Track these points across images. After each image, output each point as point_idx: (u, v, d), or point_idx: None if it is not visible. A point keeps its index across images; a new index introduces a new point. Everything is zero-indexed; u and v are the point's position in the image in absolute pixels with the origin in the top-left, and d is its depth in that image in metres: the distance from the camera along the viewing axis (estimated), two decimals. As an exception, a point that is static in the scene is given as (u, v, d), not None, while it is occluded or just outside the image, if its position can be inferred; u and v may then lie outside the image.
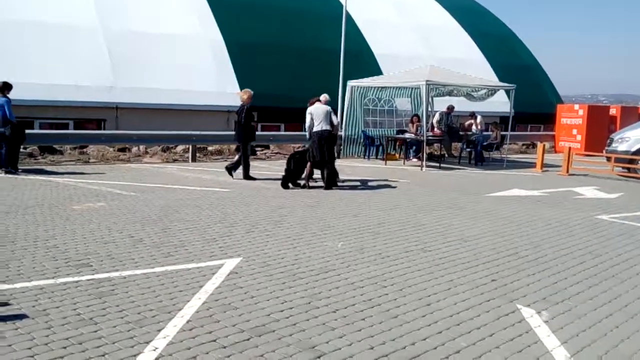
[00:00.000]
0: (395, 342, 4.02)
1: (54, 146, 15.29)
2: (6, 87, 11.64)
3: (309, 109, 11.10)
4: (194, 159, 15.25)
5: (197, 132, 15.36)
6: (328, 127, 10.77)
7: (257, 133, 17.94)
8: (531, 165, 16.33)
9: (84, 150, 15.78)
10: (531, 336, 4.22)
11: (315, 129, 10.78)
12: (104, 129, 17.63)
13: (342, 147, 16.87)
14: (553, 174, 14.89)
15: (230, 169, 11.90)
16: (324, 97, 11.56)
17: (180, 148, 16.54)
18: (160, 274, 5.29)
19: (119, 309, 4.38)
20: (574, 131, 21.53)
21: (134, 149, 16.40)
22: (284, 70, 20.70)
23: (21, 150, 13.17)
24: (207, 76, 19.76)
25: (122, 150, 16.23)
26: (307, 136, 11.28)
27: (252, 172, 11.83)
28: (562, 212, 9.43)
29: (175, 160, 15.41)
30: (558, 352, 3.95)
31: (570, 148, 15.50)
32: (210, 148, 17.01)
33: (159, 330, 4.02)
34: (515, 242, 7.18)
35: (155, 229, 7.09)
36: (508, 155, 17.90)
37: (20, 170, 11.79)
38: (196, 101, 18.97)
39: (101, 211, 8.06)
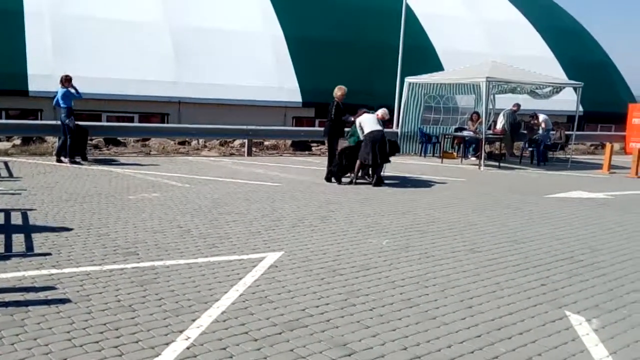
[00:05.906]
0: (431, 343, 3.89)
1: (118, 138, 15.87)
2: (66, 79, 12.10)
3: (358, 120, 10.95)
4: (249, 154, 15.45)
5: (253, 127, 15.52)
6: (379, 127, 10.67)
7: (313, 129, 18.25)
8: (598, 166, 15.56)
9: (146, 142, 16.30)
10: (577, 344, 3.99)
11: (366, 131, 10.67)
12: (167, 123, 18.17)
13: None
14: (621, 176, 14.12)
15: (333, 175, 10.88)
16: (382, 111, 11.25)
17: (237, 142, 16.79)
18: (203, 265, 5.36)
19: (158, 297, 4.47)
20: (647, 131, 20.36)
21: (193, 143, 16.78)
22: (344, 67, 20.55)
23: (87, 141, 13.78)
24: (267, 72, 19.94)
25: (182, 143, 16.65)
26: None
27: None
28: (626, 216, 8.92)
29: (231, 154, 15.66)
30: (605, 364, 3.72)
31: (641, 149, 14.64)
32: (266, 143, 17.17)
33: (194, 320, 4.06)
34: (571, 245, 6.84)
35: (204, 220, 7.21)
36: (574, 156, 17.13)
37: (87, 160, 12.32)
38: (255, 96, 19.20)
39: (155, 201, 8.28)
